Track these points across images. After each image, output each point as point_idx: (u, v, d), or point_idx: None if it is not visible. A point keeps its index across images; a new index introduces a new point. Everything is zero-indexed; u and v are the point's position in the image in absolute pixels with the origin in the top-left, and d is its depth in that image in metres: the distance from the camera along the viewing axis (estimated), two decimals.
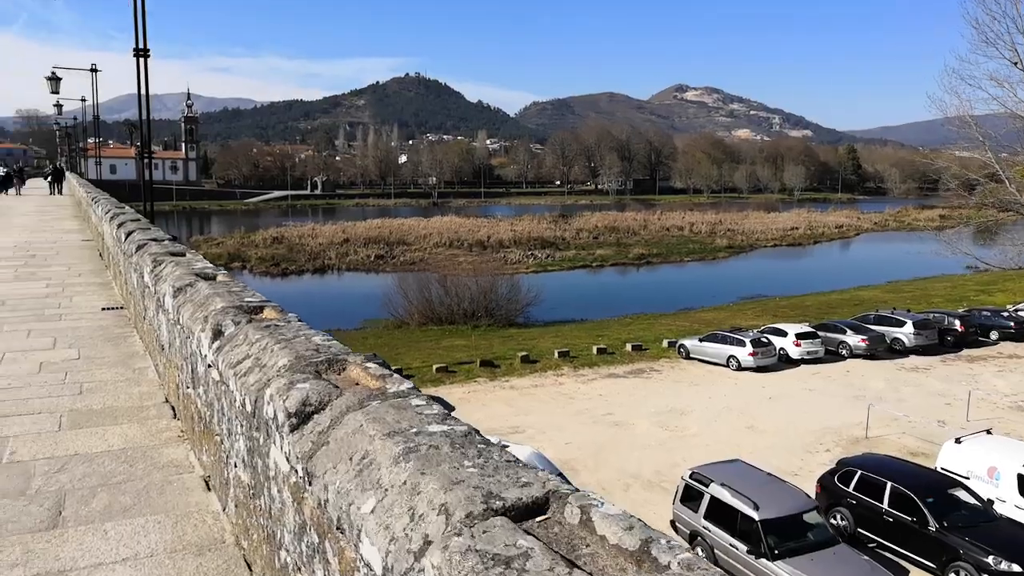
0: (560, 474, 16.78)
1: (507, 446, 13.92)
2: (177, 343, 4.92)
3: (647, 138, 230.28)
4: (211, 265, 5.84)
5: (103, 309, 9.20)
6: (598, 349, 34.39)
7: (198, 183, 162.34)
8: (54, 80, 30.20)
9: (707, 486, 15.14)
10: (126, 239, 8.75)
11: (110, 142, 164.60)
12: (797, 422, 23.83)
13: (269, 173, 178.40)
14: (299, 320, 3.85)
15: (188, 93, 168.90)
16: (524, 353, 33.57)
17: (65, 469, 4.27)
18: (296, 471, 2.43)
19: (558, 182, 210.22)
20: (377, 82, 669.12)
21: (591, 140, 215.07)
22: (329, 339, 3.36)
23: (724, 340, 31.32)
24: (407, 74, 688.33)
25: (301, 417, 2.52)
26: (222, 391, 3.58)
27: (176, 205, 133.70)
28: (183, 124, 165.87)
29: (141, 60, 13.52)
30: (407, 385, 2.61)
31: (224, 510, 3.71)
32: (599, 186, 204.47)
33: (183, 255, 6.65)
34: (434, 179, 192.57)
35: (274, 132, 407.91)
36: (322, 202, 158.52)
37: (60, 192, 40.77)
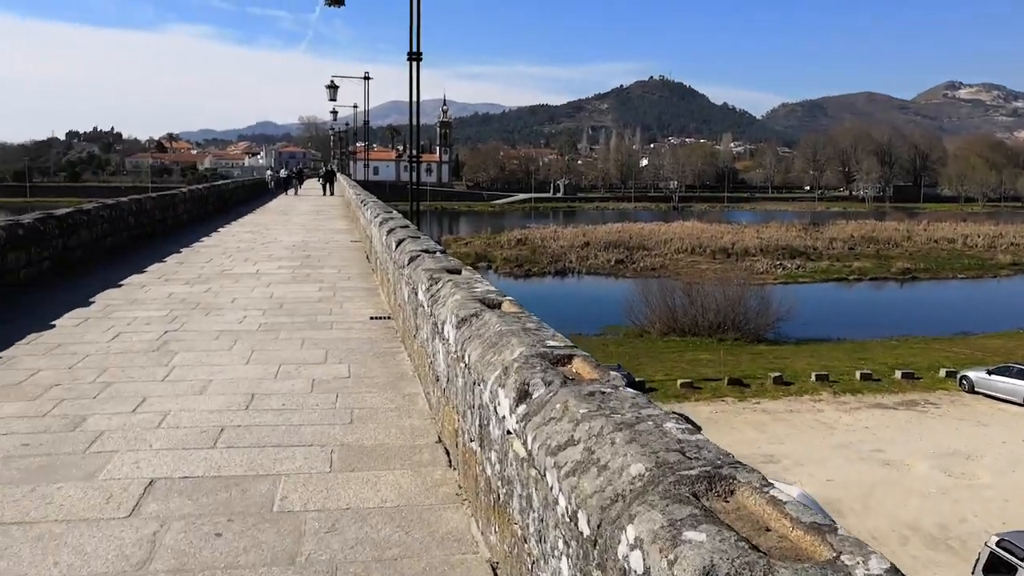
0: (831, 521, 14.85)
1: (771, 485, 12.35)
2: (459, 383, 4.23)
3: (911, 141, 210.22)
4: (494, 288, 5.13)
5: (371, 318, 9.02)
6: (861, 374, 31.16)
7: (449, 185, 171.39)
8: (332, 88, 32.56)
9: (1023, 560, 12.61)
10: (396, 248, 8.45)
11: (374, 145, 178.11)
12: None
13: (514, 176, 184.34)
14: (624, 383, 2.93)
15: (444, 99, 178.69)
16: (777, 373, 31.18)
17: (337, 529, 3.68)
18: None
19: (807, 187, 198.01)
20: (621, 86, 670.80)
21: (846, 143, 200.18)
22: (684, 426, 2.40)
23: (1021, 375, 27.01)
24: (651, 77, 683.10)
25: None
26: (529, 476, 2.75)
27: (430, 205, 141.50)
28: (438, 128, 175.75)
29: (414, 63, 13.63)
30: (880, 563, 1.57)
31: None
32: (853, 192, 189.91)
33: (459, 272, 6.06)
34: (675, 183, 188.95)
35: (520, 136, 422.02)
36: (563, 205, 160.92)
37: (332, 193, 43.86)
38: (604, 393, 2.76)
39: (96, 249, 13.90)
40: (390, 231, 9.79)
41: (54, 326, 8.20)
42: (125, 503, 3.93)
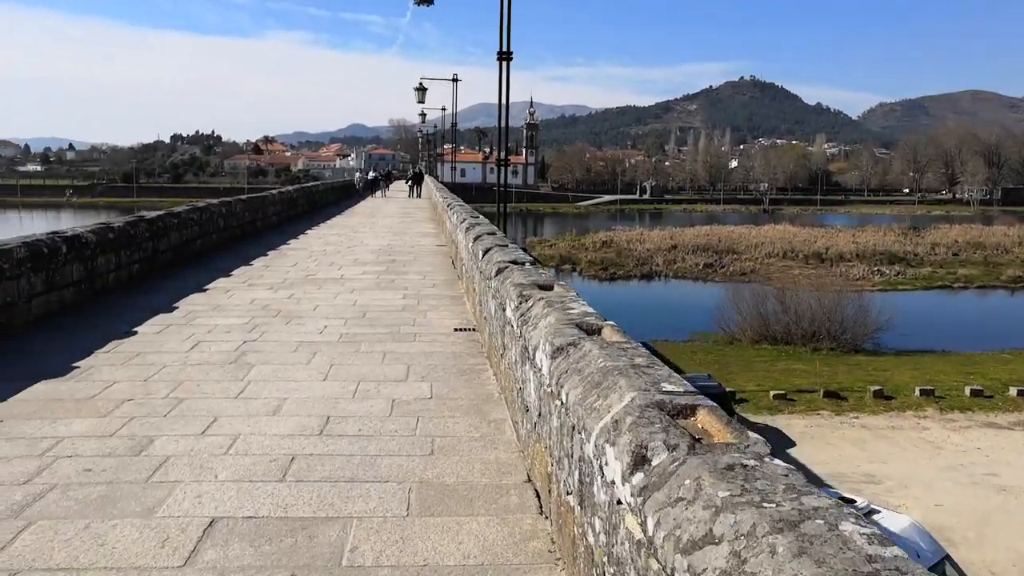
0: (947, 556, 13.67)
1: (877, 511, 11.23)
2: (554, 423, 3.68)
3: (1023, 140, 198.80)
4: (592, 310, 4.57)
5: (455, 330, 8.57)
6: (971, 390, 29.17)
7: (535, 186, 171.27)
8: (421, 90, 32.56)
9: None
10: (483, 257, 7.98)
11: (461, 148, 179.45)
12: None
13: (600, 177, 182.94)
14: (769, 452, 2.33)
15: (531, 101, 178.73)
16: (877, 387, 29.50)
17: None
18: None
19: (906, 190, 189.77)
20: (710, 86, 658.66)
21: (950, 144, 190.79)
22: (869, 529, 1.79)
23: None
24: (741, 77, 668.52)
25: None
26: (650, 568, 2.17)
27: (515, 207, 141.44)
28: (525, 131, 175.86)
29: (504, 63, 13.18)
30: None
31: None
32: (957, 195, 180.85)
33: (551, 288, 5.52)
34: (765, 185, 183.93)
35: (606, 137, 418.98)
36: (649, 207, 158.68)
37: (418, 195, 43.97)
38: (746, 467, 2.17)
39: (185, 252, 13.96)
40: (477, 238, 9.34)
41: (136, 332, 8.05)
42: (182, 548, 3.54)
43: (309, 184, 38.79)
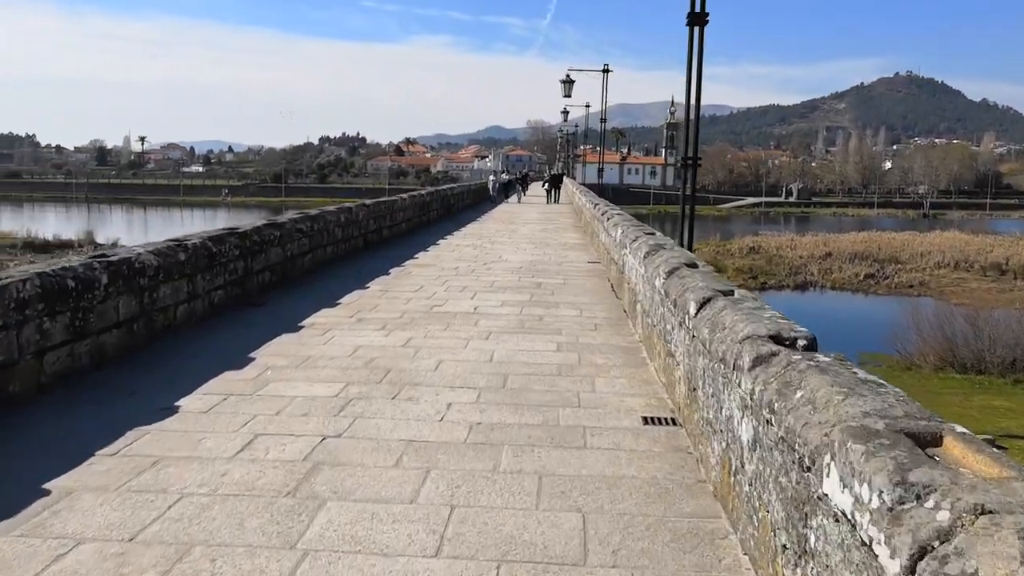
0: None
1: None
2: None
3: None
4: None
5: (644, 421, 5.54)
6: None
7: (674, 188, 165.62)
8: (568, 83, 29.84)
9: None
10: (697, 313, 4.92)
11: (596, 148, 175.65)
12: None
13: (743, 179, 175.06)
14: None
15: (672, 100, 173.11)
16: None
17: None
18: None
19: None
20: (861, 83, 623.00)
21: None
22: None
23: None
24: (896, 73, 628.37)
25: None
26: None
27: (652, 209, 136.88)
28: (664, 131, 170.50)
29: (695, 28, 10.07)
30: None
31: None
32: None
33: (885, 388, 2.41)
34: (925, 187, 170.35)
35: (748, 137, 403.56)
36: (796, 210, 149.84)
37: (557, 200, 40.78)
38: None
39: (290, 270, 11.60)
40: (671, 272, 6.26)
41: (175, 411, 5.48)
42: None
43: (444, 187, 36.71)
